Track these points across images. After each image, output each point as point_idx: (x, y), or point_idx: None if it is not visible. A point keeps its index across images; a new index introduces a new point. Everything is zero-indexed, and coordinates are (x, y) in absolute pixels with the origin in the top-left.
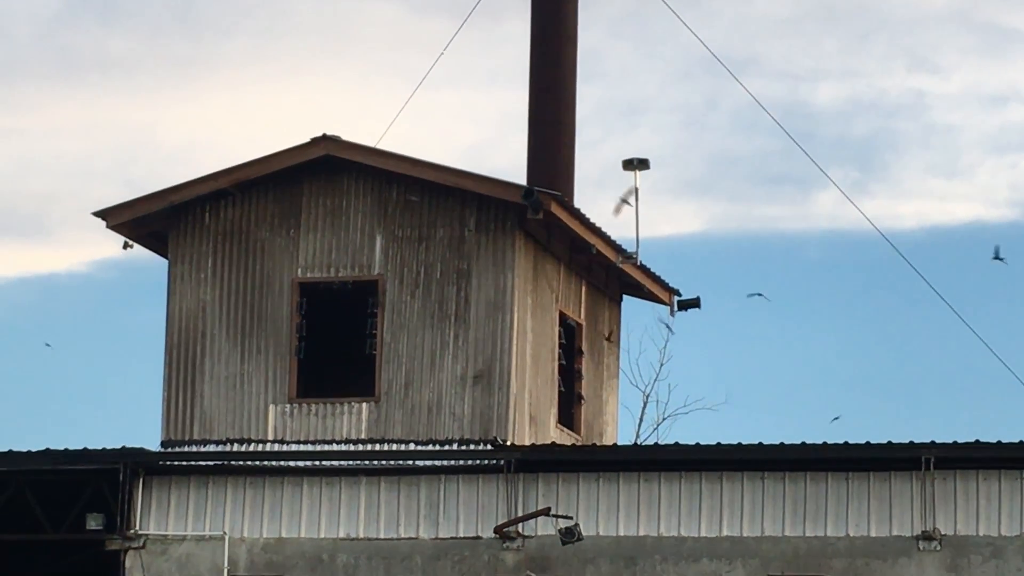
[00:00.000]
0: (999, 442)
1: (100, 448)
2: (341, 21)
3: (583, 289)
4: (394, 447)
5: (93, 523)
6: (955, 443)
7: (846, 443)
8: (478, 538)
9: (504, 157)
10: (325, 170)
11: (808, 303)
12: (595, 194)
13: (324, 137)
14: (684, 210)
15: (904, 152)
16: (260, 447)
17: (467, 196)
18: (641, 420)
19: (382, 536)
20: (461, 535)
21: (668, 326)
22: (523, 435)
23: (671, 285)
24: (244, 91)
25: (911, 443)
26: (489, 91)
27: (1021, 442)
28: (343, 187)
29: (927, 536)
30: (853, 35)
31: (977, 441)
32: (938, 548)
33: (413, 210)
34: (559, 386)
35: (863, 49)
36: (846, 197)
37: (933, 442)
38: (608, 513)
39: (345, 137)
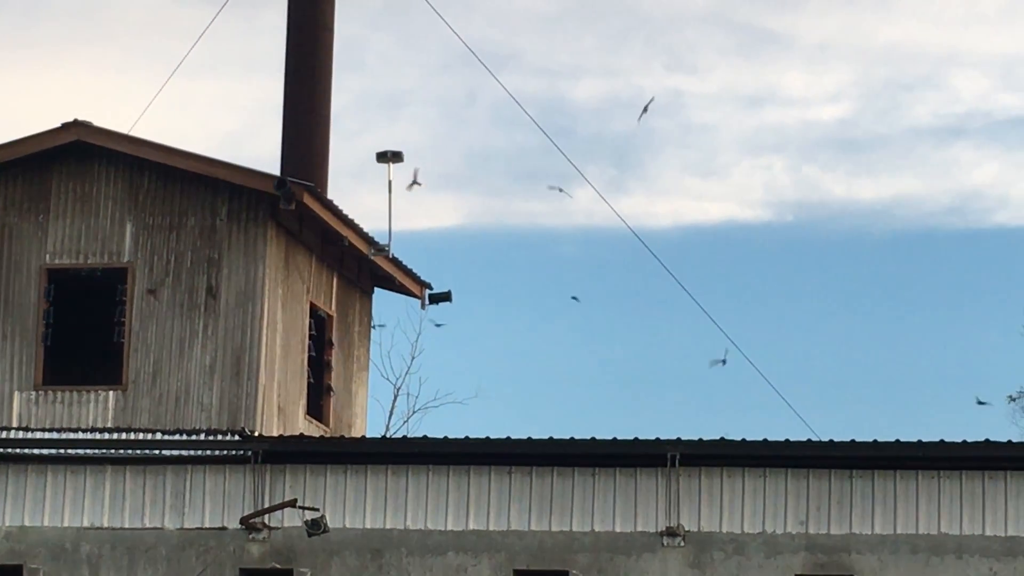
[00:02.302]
0: (743, 440)
1: None
2: (99, 6)
3: (335, 281)
4: (141, 436)
5: None
6: (700, 440)
7: (593, 439)
8: (224, 529)
9: (262, 146)
10: (76, 156)
11: (563, 299)
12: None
13: (75, 122)
14: (442, 204)
15: (661, 151)
16: (4, 434)
17: (219, 185)
18: (392, 413)
19: (127, 526)
20: (207, 526)
21: (436, 323)
22: (271, 426)
23: (424, 279)
24: (1, 73)
25: (657, 440)
26: (248, 79)
27: (765, 440)
28: (94, 173)
29: (671, 532)
30: (612, 33)
31: (722, 439)
32: (682, 544)
33: (164, 198)
34: (308, 377)
35: (622, 47)
36: (600, 196)
37: (679, 439)
38: (355, 505)
39: (101, 123)
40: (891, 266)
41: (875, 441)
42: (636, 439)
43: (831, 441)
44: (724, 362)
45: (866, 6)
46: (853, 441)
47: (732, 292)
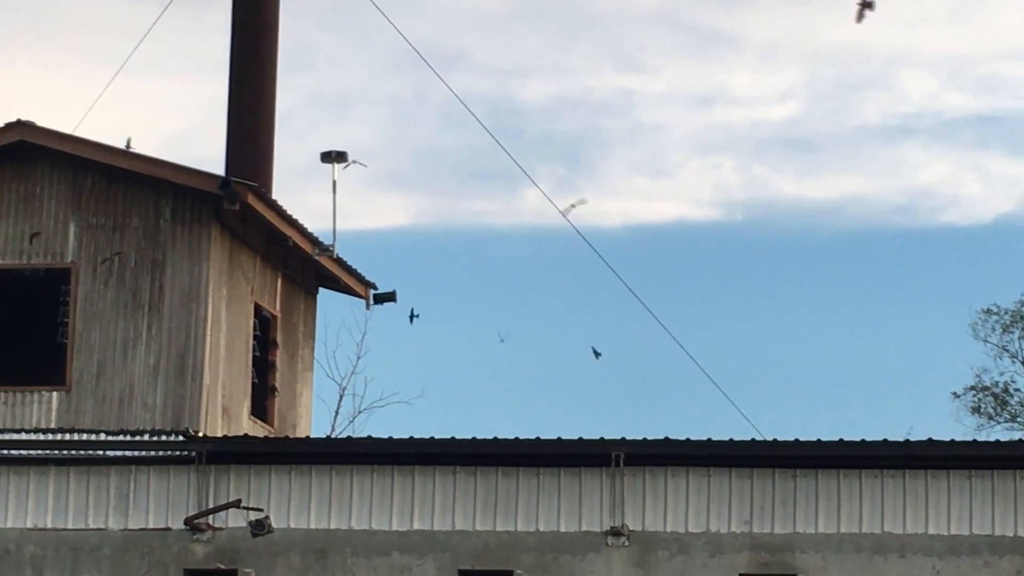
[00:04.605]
0: (688, 440)
1: None
2: (43, 5)
3: (279, 281)
4: (85, 437)
5: None
6: (644, 440)
7: (538, 439)
8: (168, 529)
9: (209, 146)
10: (19, 156)
11: (510, 299)
12: (300, 185)
13: (18, 122)
14: (390, 203)
15: (610, 150)
16: None
17: (163, 185)
18: (337, 413)
19: (71, 527)
20: (151, 526)
21: (414, 315)
22: (215, 426)
23: (371, 279)
24: None
25: (602, 439)
26: (194, 79)
27: (709, 440)
28: (37, 173)
29: (616, 532)
30: (562, 33)
31: (667, 439)
32: (626, 544)
33: (108, 198)
34: (253, 378)
35: (571, 47)
36: (546, 197)
37: (623, 439)
38: (299, 506)
39: (45, 123)
40: (840, 265)
41: (819, 440)
42: (580, 439)
43: (775, 440)
44: (597, 355)
45: (814, 6)
46: (797, 440)
47: (681, 291)
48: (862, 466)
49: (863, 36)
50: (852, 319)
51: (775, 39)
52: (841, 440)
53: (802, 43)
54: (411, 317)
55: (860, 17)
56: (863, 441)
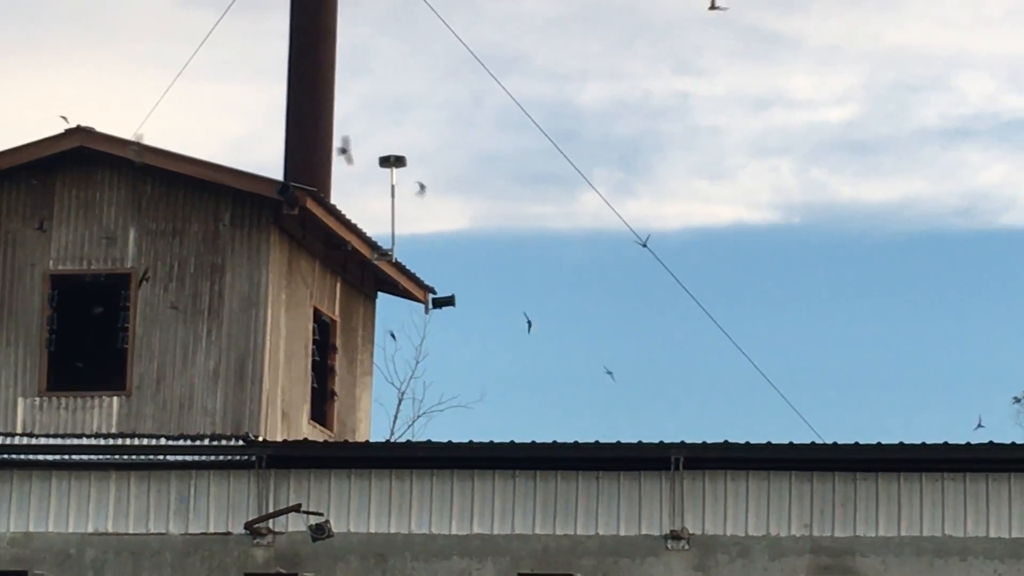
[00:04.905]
0: (747, 443)
1: None
2: (103, 10)
3: (338, 285)
4: (145, 442)
5: None
6: (704, 444)
7: (597, 443)
8: (228, 534)
9: (268, 152)
10: (79, 162)
11: (568, 303)
12: (358, 190)
13: (78, 128)
14: (448, 208)
15: (668, 154)
16: (8, 440)
17: (222, 191)
18: (396, 417)
19: (132, 531)
20: (211, 531)
21: (393, 335)
22: (275, 431)
23: (429, 283)
24: (5, 78)
25: (661, 443)
26: (253, 84)
27: (769, 443)
28: (97, 179)
29: (675, 535)
30: (619, 37)
31: (726, 442)
32: (686, 547)
33: (168, 204)
34: (312, 382)
35: (629, 51)
36: (605, 201)
37: (683, 442)
38: (359, 510)
39: (106, 128)
40: (898, 268)
41: (879, 443)
42: (640, 442)
43: (835, 444)
44: (610, 374)
45: (873, 8)
46: (857, 444)
47: (739, 294)
48: (923, 469)
49: (922, 38)
50: (911, 322)
51: (833, 41)
52: (901, 443)
53: (860, 45)
54: (528, 325)
55: (713, 4)
56: (923, 444)
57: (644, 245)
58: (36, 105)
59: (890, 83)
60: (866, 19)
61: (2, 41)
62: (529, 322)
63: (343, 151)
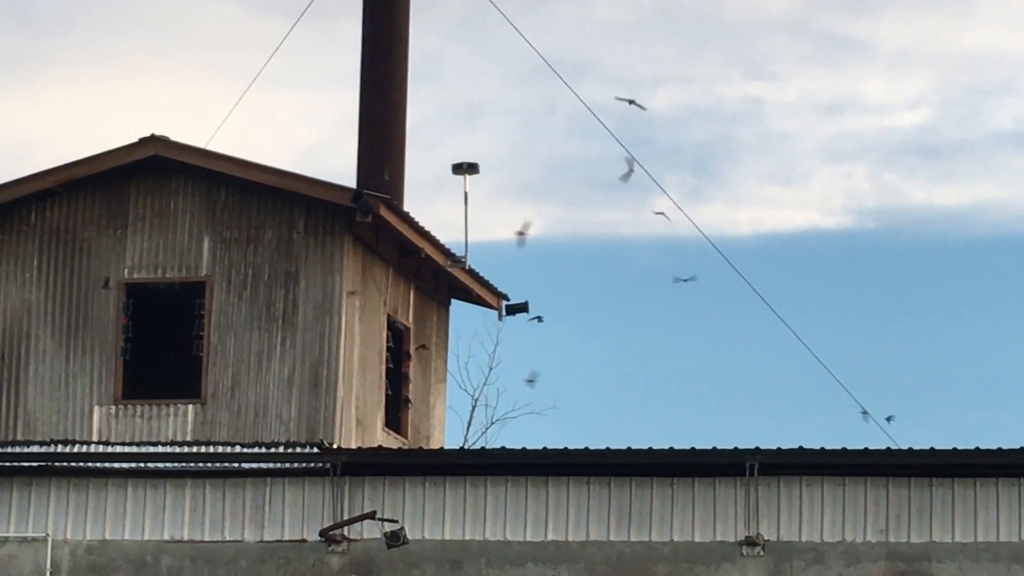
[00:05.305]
0: (822, 449)
1: None
2: (177, 19)
3: (411, 293)
4: (220, 449)
5: None
6: (779, 450)
7: (671, 449)
8: (303, 541)
9: (341, 159)
10: (153, 170)
11: (640, 309)
12: (430, 197)
13: (152, 137)
14: (521, 214)
15: (740, 159)
16: (85, 448)
17: (296, 198)
18: (470, 424)
19: (207, 539)
20: (286, 538)
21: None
22: (350, 438)
23: (502, 290)
24: (80, 88)
25: (735, 449)
26: (324, 92)
27: (844, 449)
28: (171, 188)
29: (750, 542)
30: (690, 42)
31: (801, 448)
32: (761, 553)
33: (241, 212)
34: (386, 389)
35: (700, 56)
36: (677, 207)
37: (757, 448)
38: (434, 517)
39: (179, 137)
40: (972, 272)
41: (954, 448)
42: (714, 448)
43: (910, 449)
44: (630, 172)
45: (946, 12)
46: (932, 449)
47: (812, 300)
48: (999, 474)
49: (995, 41)
50: (986, 326)
51: (906, 45)
52: (977, 448)
53: (933, 49)
54: (537, 319)
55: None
56: (999, 449)
57: (686, 281)
58: (111, 114)
59: (963, 87)
60: (939, 23)
61: (77, 52)
62: (539, 317)
63: (629, 172)
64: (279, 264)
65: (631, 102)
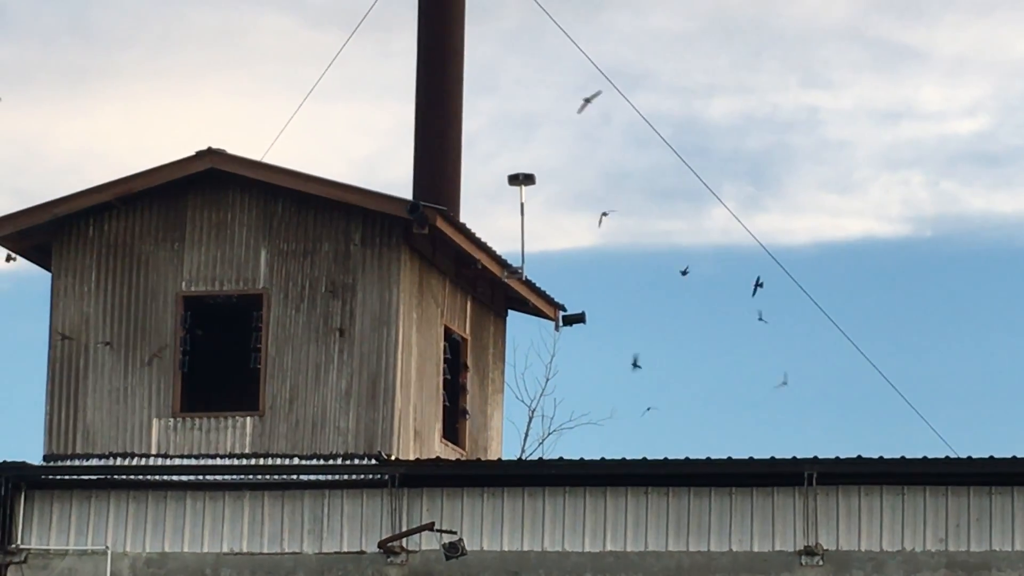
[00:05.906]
0: (881, 458)
1: None
2: (233, 32)
3: (468, 304)
4: (278, 461)
5: None
6: (837, 459)
7: (729, 458)
8: (362, 553)
9: (397, 170)
10: (210, 183)
11: (697, 318)
12: (487, 207)
13: (209, 150)
14: (578, 224)
15: (797, 167)
16: (143, 461)
17: (352, 210)
18: (527, 435)
19: (266, 551)
20: (345, 550)
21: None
22: (407, 450)
23: (559, 300)
24: (137, 102)
25: (794, 459)
26: (380, 104)
27: (903, 458)
28: (228, 200)
29: (809, 551)
30: (746, 51)
31: (859, 457)
32: (820, 563)
33: (298, 224)
34: (444, 401)
35: (756, 65)
36: (734, 216)
37: (816, 457)
38: (492, 528)
39: (235, 149)
40: None
41: (1014, 457)
42: (772, 458)
43: (970, 458)
44: (785, 383)
45: (1002, 18)
46: (992, 457)
47: (869, 308)
48: None
49: None
50: None
51: (962, 52)
52: None
53: (990, 56)
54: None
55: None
56: None
57: (684, 273)
58: (168, 128)
59: (1020, 93)
60: (995, 29)
61: (137, 63)
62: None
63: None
64: (336, 276)
65: (588, 100)
